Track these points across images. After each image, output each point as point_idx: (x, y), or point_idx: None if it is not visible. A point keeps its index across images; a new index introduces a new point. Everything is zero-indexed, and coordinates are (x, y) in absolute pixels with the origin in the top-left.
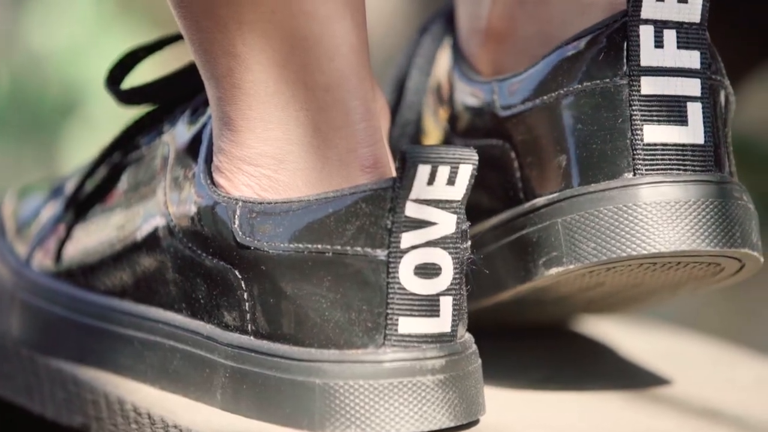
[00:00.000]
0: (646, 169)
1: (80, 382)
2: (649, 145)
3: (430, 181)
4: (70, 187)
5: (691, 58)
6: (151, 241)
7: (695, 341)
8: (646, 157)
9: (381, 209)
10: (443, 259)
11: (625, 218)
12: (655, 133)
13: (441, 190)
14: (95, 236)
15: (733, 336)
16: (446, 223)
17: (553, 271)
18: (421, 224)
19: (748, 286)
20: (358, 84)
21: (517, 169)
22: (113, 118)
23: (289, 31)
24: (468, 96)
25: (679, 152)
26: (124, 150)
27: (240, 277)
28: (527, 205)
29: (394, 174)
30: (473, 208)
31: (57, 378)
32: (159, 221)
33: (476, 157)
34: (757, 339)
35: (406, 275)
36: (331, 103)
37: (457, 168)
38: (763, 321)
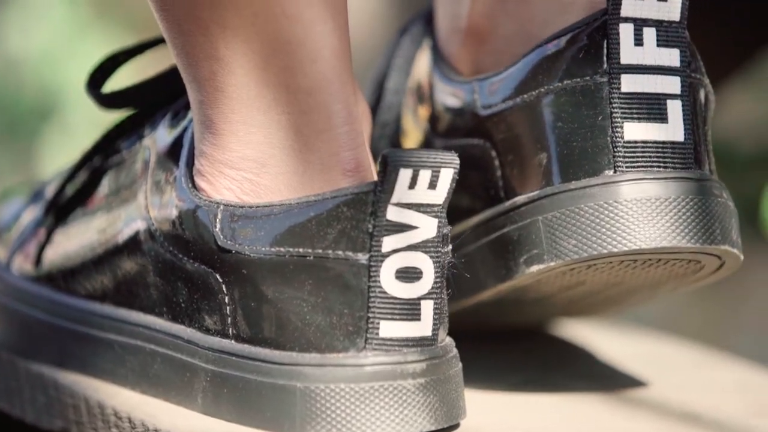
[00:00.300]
0: (626, 167)
1: (60, 386)
2: (629, 142)
3: (412, 184)
4: (50, 191)
5: (671, 56)
6: (132, 245)
7: (674, 344)
8: (626, 155)
9: (362, 213)
10: (424, 263)
11: (606, 215)
12: (635, 131)
13: (422, 194)
14: (76, 240)
15: (711, 339)
16: (427, 227)
17: (534, 268)
18: (402, 228)
19: (726, 290)
20: (340, 87)
21: (497, 168)
22: (90, 123)
23: (272, 34)
24: (448, 96)
25: (660, 149)
26: (104, 154)
27: (221, 280)
28: (508, 204)
29: (375, 178)
30: (454, 209)
31: (37, 382)
32: (140, 225)
33: (457, 161)
34: (735, 342)
35: (387, 279)
36: (313, 106)
37: (439, 172)
38: (741, 324)
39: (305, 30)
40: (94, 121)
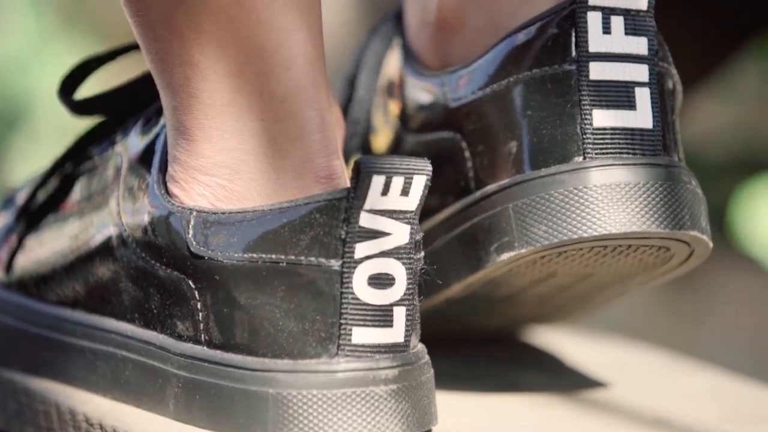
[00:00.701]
0: (596, 153)
1: (32, 393)
2: (598, 129)
3: (385, 191)
4: (21, 198)
5: (639, 45)
6: (104, 251)
7: (644, 351)
8: (595, 141)
9: (335, 219)
10: (397, 269)
11: (576, 201)
12: (604, 118)
13: (395, 200)
14: (48, 246)
15: (679, 346)
16: (400, 234)
17: (505, 256)
18: (375, 234)
19: (694, 296)
20: (314, 94)
21: (468, 159)
22: (57, 131)
23: (247, 40)
24: (419, 91)
25: (628, 136)
26: (76, 160)
27: (193, 287)
28: (478, 194)
29: (349, 185)
30: (425, 203)
31: (8, 389)
32: (112, 231)
33: (430, 168)
34: (704, 348)
35: (359, 285)
36: (287, 113)
37: (411, 179)
38: (710, 330)
39: (280, 37)
40: (62, 129)
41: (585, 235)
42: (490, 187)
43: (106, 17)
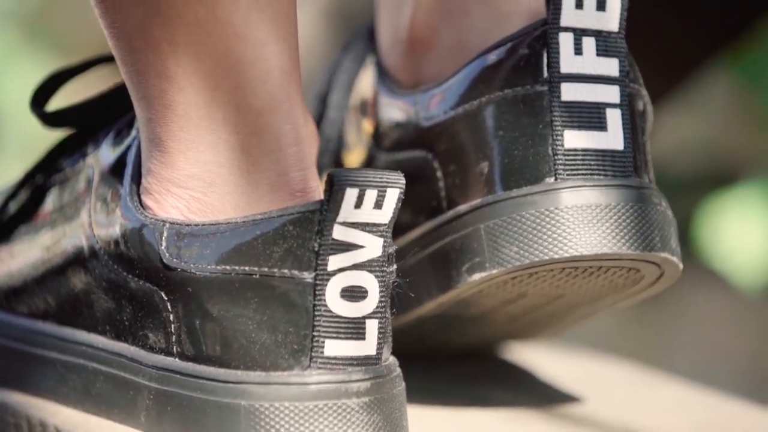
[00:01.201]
0: (567, 174)
1: (2, 405)
2: (570, 150)
3: (358, 204)
4: None
5: (610, 66)
6: (76, 263)
7: (614, 364)
8: (567, 162)
9: (308, 232)
10: (369, 282)
11: (547, 222)
12: (575, 139)
13: (368, 213)
14: (20, 258)
15: (648, 359)
16: (373, 247)
17: (476, 276)
18: (348, 247)
19: (660, 311)
20: (290, 108)
21: (440, 179)
22: (21, 145)
23: (223, 53)
24: (392, 109)
25: (599, 157)
26: (47, 172)
27: (166, 298)
28: (450, 214)
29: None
30: (397, 221)
31: None
32: (84, 243)
33: (403, 181)
34: (671, 361)
35: (332, 298)
36: (263, 126)
37: (385, 192)
38: (676, 344)
39: (256, 49)
40: (25, 143)
41: (556, 256)
42: (462, 207)
43: (70, 32)
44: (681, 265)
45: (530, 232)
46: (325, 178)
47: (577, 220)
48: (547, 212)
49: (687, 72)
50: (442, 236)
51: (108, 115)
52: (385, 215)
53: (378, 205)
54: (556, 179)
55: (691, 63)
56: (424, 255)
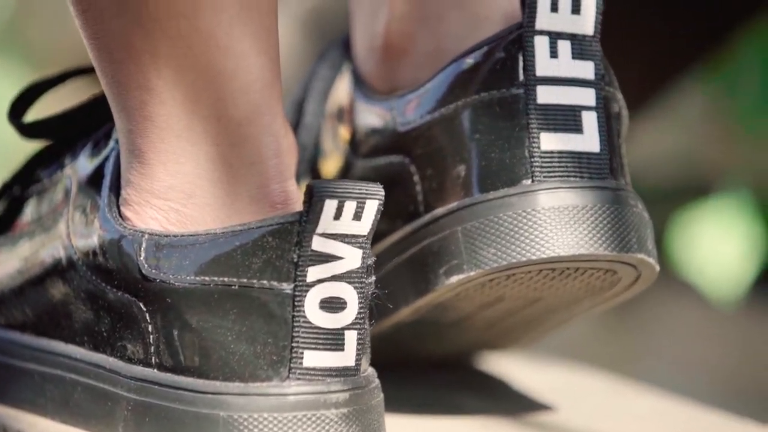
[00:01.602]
0: (543, 176)
1: None
2: (546, 152)
3: (337, 215)
4: None
5: (586, 69)
6: (54, 274)
7: (589, 374)
8: (543, 165)
9: (288, 243)
10: (348, 293)
11: (524, 224)
12: (551, 141)
13: (347, 224)
14: None
15: (623, 369)
16: (352, 258)
17: (454, 279)
18: (327, 258)
19: (634, 320)
20: (270, 120)
21: (417, 183)
22: None
23: (205, 65)
24: (369, 115)
25: (576, 159)
26: (24, 183)
27: (144, 309)
28: (427, 217)
29: None
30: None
31: None
32: (62, 253)
33: (383, 193)
34: (645, 370)
35: (311, 309)
36: (243, 138)
37: (364, 203)
38: (650, 353)
39: (238, 62)
40: (1, 153)
41: (533, 257)
42: (439, 211)
43: (41, 45)
44: (657, 267)
45: (508, 233)
46: (303, 188)
47: (554, 221)
48: (524, 214)
49: (663, 83)
50: (420, 240)
51: (85, 126)
52: (364, 227)
53: (357, 216)
54: (532, 181)
55: (667, 74)
56: (402, 259)
